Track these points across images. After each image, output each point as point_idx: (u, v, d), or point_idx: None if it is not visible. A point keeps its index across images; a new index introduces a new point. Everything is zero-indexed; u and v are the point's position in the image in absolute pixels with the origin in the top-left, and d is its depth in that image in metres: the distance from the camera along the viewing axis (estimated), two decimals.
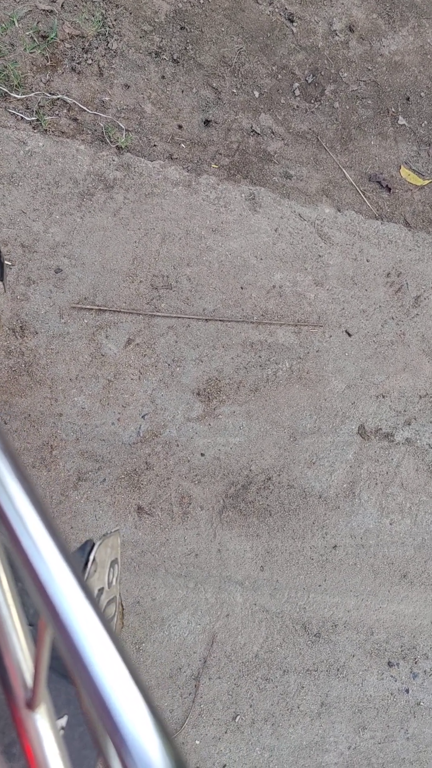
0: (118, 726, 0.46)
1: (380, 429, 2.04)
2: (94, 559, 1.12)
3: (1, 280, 1.42)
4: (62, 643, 0.50)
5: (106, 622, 0.51)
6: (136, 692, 0.48)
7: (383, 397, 2.06)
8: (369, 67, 2.28)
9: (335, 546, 1.95)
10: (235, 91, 2.14)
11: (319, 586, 1.93)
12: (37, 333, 1.88)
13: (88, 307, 1.92)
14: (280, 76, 2.18)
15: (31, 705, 0.65)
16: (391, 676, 1.96)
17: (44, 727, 0.66)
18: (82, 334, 1.91)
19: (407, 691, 1.97)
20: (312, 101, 2.20)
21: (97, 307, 1.92)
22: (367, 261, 2.12)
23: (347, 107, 2.23)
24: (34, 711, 0.65)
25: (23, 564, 0.53)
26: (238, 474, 1.93)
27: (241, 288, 2.02)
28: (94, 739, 0.47)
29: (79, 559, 1.12)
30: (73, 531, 1.84)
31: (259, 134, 2.13)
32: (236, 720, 1.85)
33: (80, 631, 0.50)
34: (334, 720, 1.89)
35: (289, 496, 1.95)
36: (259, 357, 2.00)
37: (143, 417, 1.91)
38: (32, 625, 0.92)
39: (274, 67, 2.18)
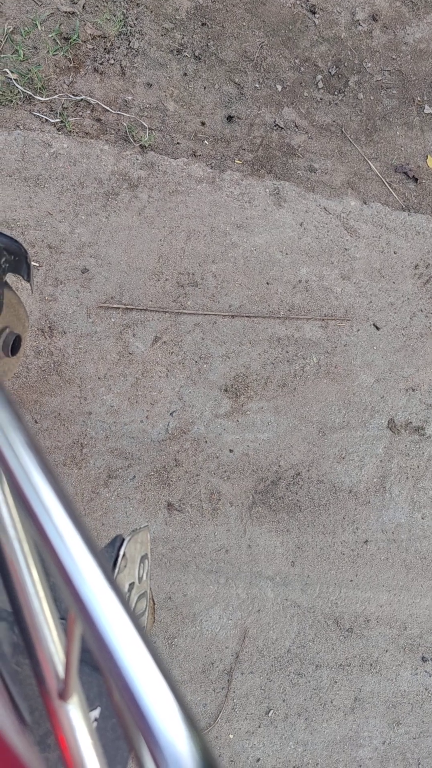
0: (149, 722, 0.47)
1: (410, 422, 2.02)
2: (124, 554, 1.14)
3: (28, 281, 1.44)
4: (91, 638, 0.50)
5: (134, 617, 0.52)
6: (166, 688, 0.49)
7: (413, 390, 2.04)
8: (393, 56, 2.25)
9: (366, 541, 1.94)
10: (257, 85, 2.13)
11: (351, 581, 1.92)
12: (65, 333, 1.91)
13: (114, 306, 1.93)
14: (302, 69, 2.17)
15: (63, 696, 0.66)
16: (426, 672, 1.94)
17: (77, 718, 0.67)
18: (110, 333, 1.93)
19: None
20: (336, 93, 2.18)
21: (123, 306, 1.94)
22: (395, 253, 2.10)
23: (372, 98, 2.20)
24: (67, 702, 0.67)
25: (52, 560, 0.54)
26: (267, 470, 1.94)
27: (267, 283, 2.01)
28: (125, 734, 0.47)
29: (109, 555, 1.13)
30: (104, 528, 1.86)
31: (282, 128, 2.12)
32: (269, 714, 1.85)
33: (109, 626, 0.51)
34: (368, 715, 1.88)
35: (318, 491, 1.94)
36: (287, 352, 1.99)
37: (171, 414, 1.92)
38: (64, 618, 0.93)
39: (296, 60, 2.17)
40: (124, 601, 0.52)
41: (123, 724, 0.48)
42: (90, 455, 1.88)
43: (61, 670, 0.68)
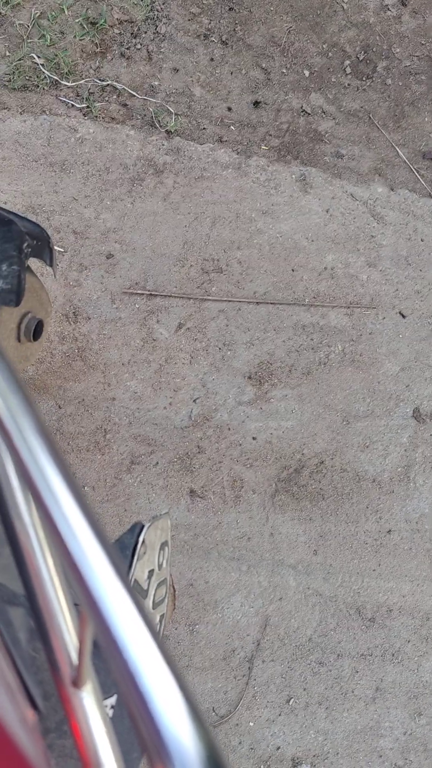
0: (157, 723, 0.46)
1: None
2: (143, 541, 1.13)
3: (51, 266, 1.44)
4: (100, 632, 0.50)
5: (142, 611, 0.51)
6: (175, 686, 0.48)
7: None
8: (422, 42, 2.22)
9: (390, 531, 1.92)
10: (284, 71, 2.11)
11: (374, 570, 1.91)
12: (89, 318, 1.91)
13: (139, 292, 1.93)
14: (330, 54, 2.15)
15: (76, 683, 0.66)
16: None
17: (90, 705, 0.66)
18: (134, 319, 1.92)
19: None
20: (363, 79, 2.15)
21: (148, 292, 1.93)
22: (422, 240, 2.07)
23: (400, 83, 2.17)
24: (80, 689, 0.66)
25: (63, 554, 0.53)
26: (290, 458, 1.92)
27: (292, 270, 2.00)
28: (134, 726, 0.47)
29: (128, 542, 1.13)
30: (126, 514, 1.86)
31: (309, 114, 2.10)
32: (290, 703, 1.85)
33: (116, 619, 0.50)
34: (389, 705, 1.87)
35: (342, 480, 1.93)
36: (311, 340, 1.98)
37: (195, 401, 1.92)
38: (77, 605, 0.93)
39: (324, 45, 2.15)
40: (134, 596, 0.51)
41: (133, 721, 0.47)
42: (113, 441, 1.88)
43: (74, 656, 0.67)
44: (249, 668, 1.85)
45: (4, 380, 0.60)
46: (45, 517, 0.54)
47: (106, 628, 0.49)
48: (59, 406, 1.88)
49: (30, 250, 1.31)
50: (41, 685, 0.81)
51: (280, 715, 1.85)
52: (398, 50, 2.20)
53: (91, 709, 0.67)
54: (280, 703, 1.85)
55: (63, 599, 0.68)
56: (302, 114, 2.10)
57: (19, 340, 1.48)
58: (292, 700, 1.85)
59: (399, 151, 2.12)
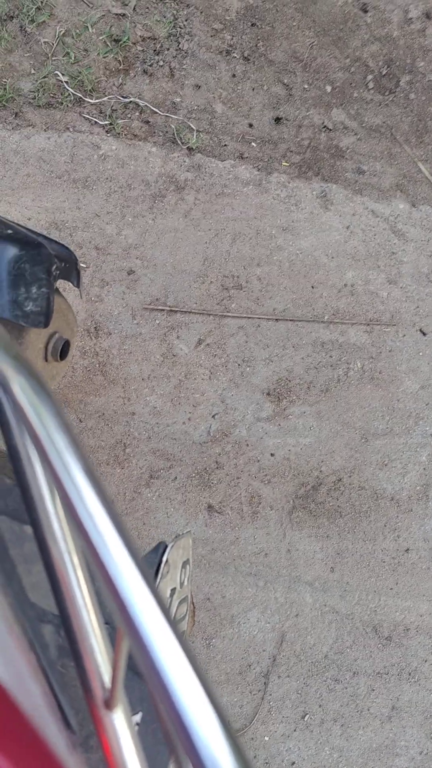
0: (193, 740, 0.48)
1: None
2: (167, 561, 1.15)
3: (77, 287, 1.45)
4: (136, 650, 0.52)
5: (174, 627, 0.52)
6: (208, 703, 0.50)
7: None
8: None
9: (407, 549, 1.92)
10: (306, 86, 2.11)
11: (391, 589, 1.90)
12: (110, 333, 1.93)
13: (159, 307, 1.95)
14: (353, 69, 2.14)
15: (109, 705, 0.67)
16: None
17: (122, 727, 0.68)
18: (154, 334, 1.94)
19: None
20: (386, 94, 2.14)
21: (168, 308, 1.95)
22: None
23: (423, 98, 2.16)
24: (112, 711, 0.68)
25: (100, 573, 0.55)
26: (308, 475, 1.93)
27: (312, 287, 2.00)
28: (167, 741, 0.49)
29: (152, 561, 1.15)
30: (145, 527, 1.88)
31: (331, 130, 2.10)
32: (305, 719, 1.85)
33: (152, 637, 0.52)
34: (405, 724, 1.87)
35: (360, 497, 1.93)
36: (330, 357, 1.98)
37: (213, 416, 1.93)
38: (107, 623, 0.94)
39: (347, 60, 2.14)
40: (167, 613, 0.53)
41: (165, 732, 0.49)
42: (133, 455, 1.90)
43: (107, 679, 0.69)
44: (265, 683, 1.86)
45: (52, 418, 0.62)
46: (83, 539, 0.56)
47: (143, 645, 0.51)
48: (80, 420, 1.90)
49: (58, 272, 1.32)
50: (70, 702, 0.83)
51: (295, 730, 1.85)
52: (422, 64, 2.19)
53: (123, 730, 0.68)
54: (295, 718, 1.86)
55: (95, 621, 0.69)
56: (323, 130, 2.10)
57: (46, 360, 1.50)
58: (308, 716, 1.86)
59: (421, 166, 2.11)
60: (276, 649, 1.87)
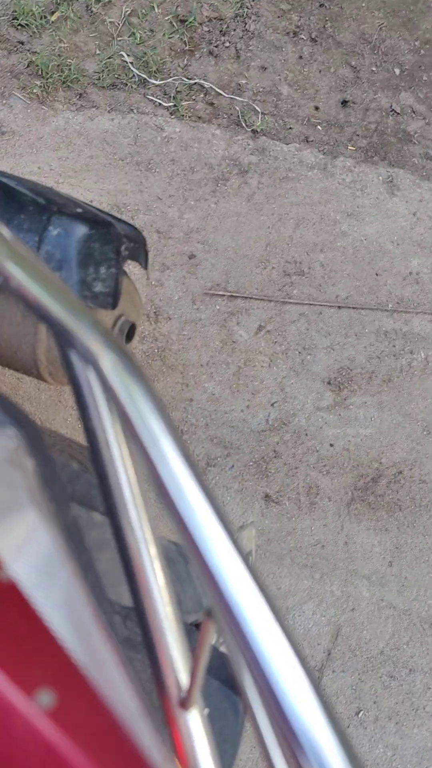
0: (300, 740, 0.45)
1: None
2: None
3: (146, 269, 1.43)
4: (231, 637, 0.49)
5: (279, 615, 0.49)
6: (315, 698, 0.46)
7: None
8: None
9: None
10: (374, 69, 2.06)
11: None
12: (170, 318, 1.91)
13: (220, 293, 1.92)
14: (423, 52, 2.08)
15: (184, 705, 0.65)
16: None
17: (196, 727, 0.66)
18: (214, 320, 1.92)
19: None
20: None
21: (229, 294, 1.92)
22: None
23: None
24: (187, 710, 0.65)
25: (195, 558, 0.52)
26: (367, 466, 1.89)
27: (376, 275, 1.95)
28: (256, 738, 0.46)
29: None
30: None
31: (398, 113, 2.04)
32: (359, 715, 1.82)
33: (256, 630, 0.49)
34: None
35: (420, 491, 1.88)
36: (393, 346, 1.93)
37: (272, 405, 1.90)
38: (184, 621, 0.92)
39: (416, 43, 2.08)
40: (268, 596, 0.50)
41: (252, 722, 0.46)
42: (190, 442, 1.88)
43: (182, 678, 0.66)
44: (319, 678, 1.83)
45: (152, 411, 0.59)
46: (182, 532, 0.53)
47: (242, 634, 0.48)
48: None
49: (127, 252, 1.30)
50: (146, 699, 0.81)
51: (348, 726, 1.82)
52: None
53: (197, 730, 0.66)
54: (349, 714, 1.83)
55: (172, 615, 0.67)
56: (391, 113, 2.04)
57: None
58: (362, 712, 1.82)
59: None
60: (331, 644, 1.84)
